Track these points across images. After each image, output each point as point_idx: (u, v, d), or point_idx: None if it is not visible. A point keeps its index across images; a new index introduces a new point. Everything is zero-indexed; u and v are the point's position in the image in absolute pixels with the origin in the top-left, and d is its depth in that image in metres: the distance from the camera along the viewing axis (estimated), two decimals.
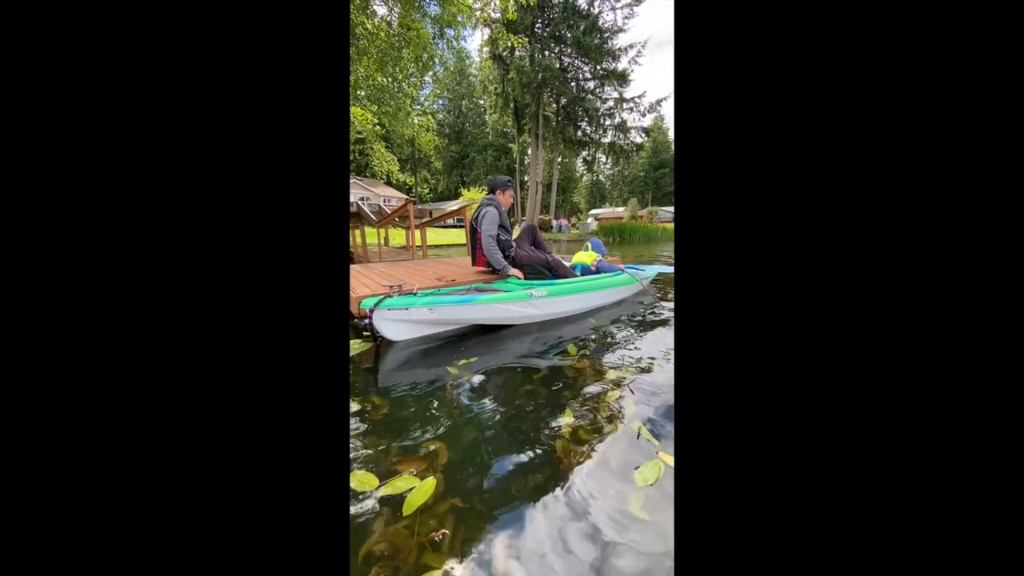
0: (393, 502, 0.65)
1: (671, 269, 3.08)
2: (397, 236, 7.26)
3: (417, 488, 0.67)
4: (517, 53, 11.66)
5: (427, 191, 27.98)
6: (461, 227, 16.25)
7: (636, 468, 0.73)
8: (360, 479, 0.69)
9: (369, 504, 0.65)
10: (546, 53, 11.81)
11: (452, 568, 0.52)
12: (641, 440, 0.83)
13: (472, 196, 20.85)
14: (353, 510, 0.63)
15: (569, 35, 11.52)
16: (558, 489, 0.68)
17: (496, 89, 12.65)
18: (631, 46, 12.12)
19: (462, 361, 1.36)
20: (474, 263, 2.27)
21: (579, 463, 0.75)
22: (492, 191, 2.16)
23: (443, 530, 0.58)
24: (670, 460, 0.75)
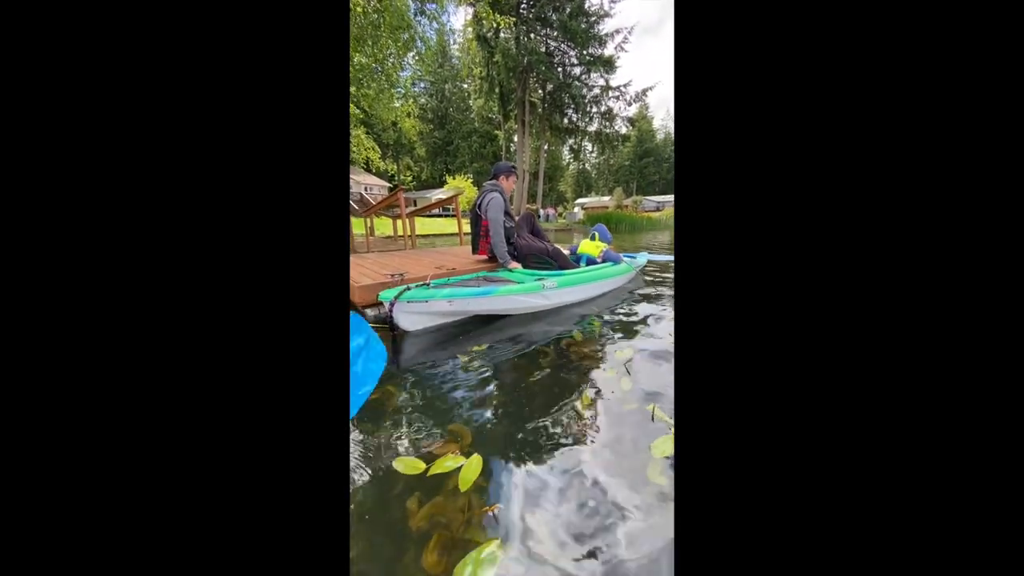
0: (440, 481, 0.67)
1: (659, 257, 3.23)
2: (382, 226, 7.05)
3: (466, 465, 0.69)
4: (502, 35, 11.33)
5: (410, 179, 27.17)
6: (446, 216, 15.93)
7: (652, 443, 0.78)
8: (408, 464, 0.71)
9: (420, 484, 0.67)
10: (532, 36, 11.53)
11: (497, 539, 0.55)
12: (656, 420, 0.88)
13: (457, 184, 20.41)
14: (406, 490, 0.65)
15: (555, 18, 11.28)
16: (580, 464, 0.72)
17: (481, 73, 12.30)
18: (617, 31, 12.00)
19: (474, 347, 1.37)
20: (476, 251, 2.25)
21: (596, 440, 0.80)
22: (495, 176, 2.12)
23: (498, 505, 0.61)
24: None
